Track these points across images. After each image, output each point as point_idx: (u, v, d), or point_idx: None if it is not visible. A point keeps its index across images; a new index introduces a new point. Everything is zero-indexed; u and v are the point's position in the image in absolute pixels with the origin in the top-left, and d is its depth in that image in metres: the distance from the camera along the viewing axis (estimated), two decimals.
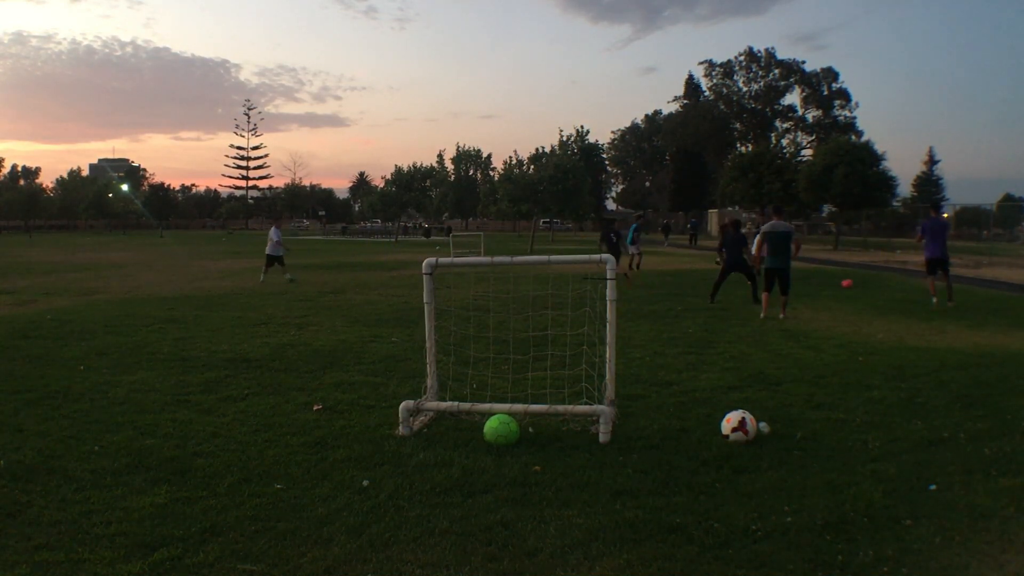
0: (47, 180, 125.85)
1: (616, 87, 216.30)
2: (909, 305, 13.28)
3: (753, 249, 14.69)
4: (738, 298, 13.88)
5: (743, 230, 14.29)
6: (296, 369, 7.67)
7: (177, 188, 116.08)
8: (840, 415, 5.84)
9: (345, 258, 30.21)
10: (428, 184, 68.24)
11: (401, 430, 5.34)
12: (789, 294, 11.33)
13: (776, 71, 74.93)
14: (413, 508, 4.04)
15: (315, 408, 6.09)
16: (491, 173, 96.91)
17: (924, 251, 13.45)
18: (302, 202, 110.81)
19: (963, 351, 8.59)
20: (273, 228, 18.72)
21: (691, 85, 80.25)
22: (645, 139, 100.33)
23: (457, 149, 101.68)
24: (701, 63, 79.61)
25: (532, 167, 56.45)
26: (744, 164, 52.08)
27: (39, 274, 21.72)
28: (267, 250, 18.34)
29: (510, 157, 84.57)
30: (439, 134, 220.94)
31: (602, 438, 5.14)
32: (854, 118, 72.40)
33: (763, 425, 5.31)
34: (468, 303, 11.87)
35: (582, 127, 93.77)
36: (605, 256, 5.52)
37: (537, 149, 65.12)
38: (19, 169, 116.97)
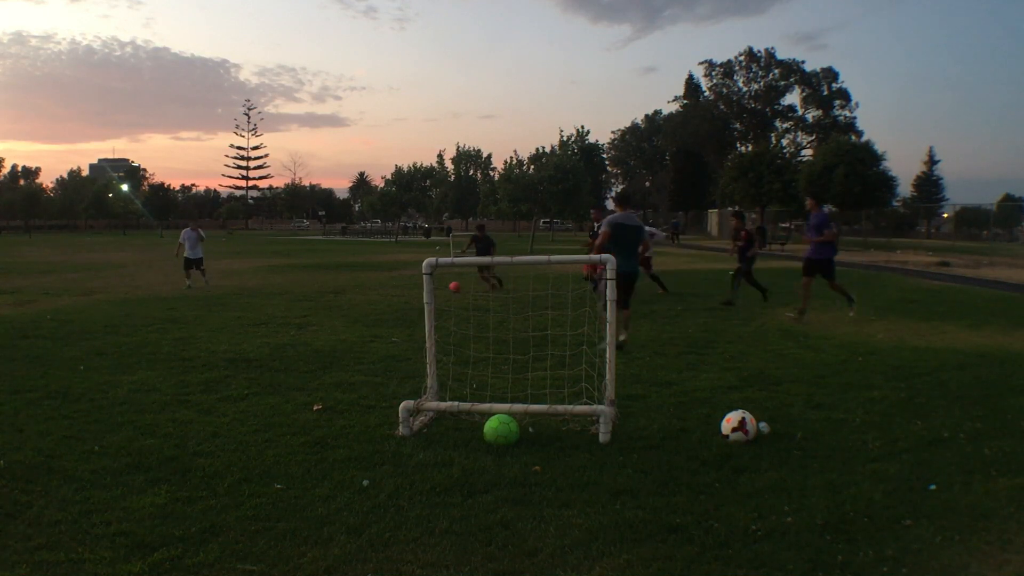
0: (47, 180, 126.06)
1: (616, 87, 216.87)
2: (909, 305, 13.29)
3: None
4: (738, 298, 13.86)
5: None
6: (296, 369, 7.67)
7: (177, 188, 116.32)
8: (840, 415, 5.84)
9: (345, 258, 30.23)
10: (428, 184, 68.25)
11: (401, 430, 5.34)
12: (630, 308, 9.05)
13: (776, 71, 74.94)
14: (413, 508, 4.04)
15: (315, 408, 6.08)
16: (491, 173, 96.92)
17: (819, 251, 11.33)
18: (302, 202, 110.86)
19: (963, 351, 8.59)
20: (189, 230, 17.61)
21: (691, 85, 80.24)
22: (645, 139, 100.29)
23: (457, 149, 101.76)
24: (701, 63, 79.72)
25: (532, 167, 56.46)
26: (744, 164, 52.21)
27: (39, 274, 21.71)
28: (193, 253, 17.24)
29: (510, 157, 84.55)
30: (439, 134, 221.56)
31: (602, 438, 5.14)
32: (854, 118, 72.50)
33: (763, 425, 5.31)
34: (468, 303, 11.87)
35: (582, 127, 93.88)
36: (605, 256, 5.52)
37: (537, 149, 65.15)
38: (19, 169, 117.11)
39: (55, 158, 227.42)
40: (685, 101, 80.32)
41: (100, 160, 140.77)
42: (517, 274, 16.52)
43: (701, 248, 40.83)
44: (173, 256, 18.46)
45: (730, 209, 54.24)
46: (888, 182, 43.37)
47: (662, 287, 15.16)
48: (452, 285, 15.33)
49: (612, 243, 8.56)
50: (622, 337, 8.54)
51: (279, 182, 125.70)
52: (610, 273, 5.41)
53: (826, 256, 11.32)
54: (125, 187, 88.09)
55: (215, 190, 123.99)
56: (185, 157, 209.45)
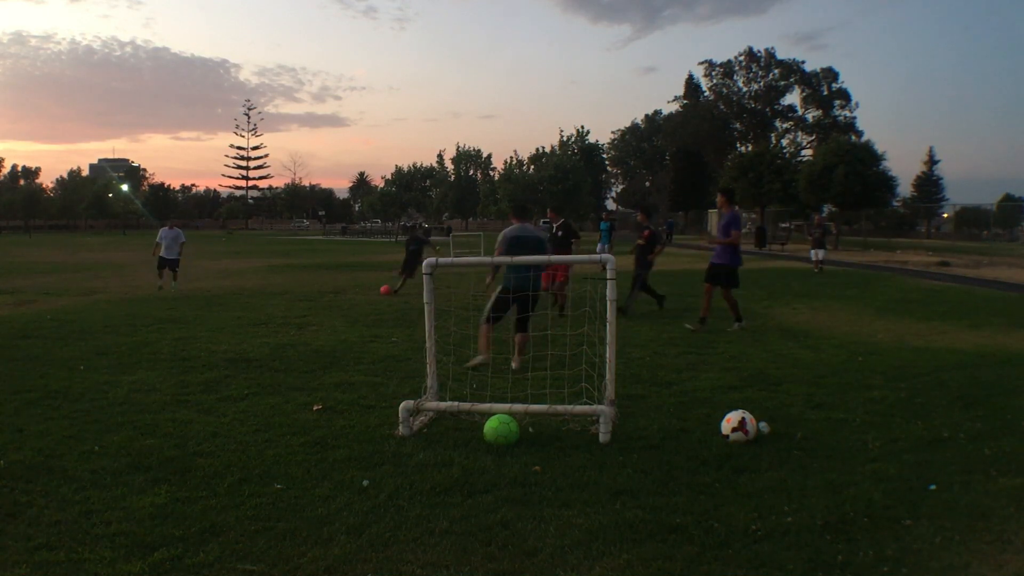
0: (47, 180, 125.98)
1: (616, 87, 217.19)
2: (909, 305, 13.29)
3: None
4: (738, 298, 13.84)
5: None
6: (296, 369, 7.67)
7: (177, 188, 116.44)
8: (840, 415, 5.84)
9: (345, 258, 30.23)
10: (428, 184, 68.46)
11: (401, 430, 5.34)
12: (529, 330, 7.62)
13: (776, 71, 74.90)
14: (413, 508, 4.04)
15: (315, 408, 6.08)
16: (491, 173, 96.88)
17: (723, 254, 10.01)
18: (302, 202, 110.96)
19: (963, 351, 8.59)
20: (167, 228, 16.60)
21: (691, 85, 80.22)
22: (645, 139, 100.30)
23: (457, 149, 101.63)
24: (701, 63, 79.64)
25: (532, 167, 56.50)
26: (744, 164, 52.17)
27: (39, 274, 21.71)
28: (169, 253, 16.34)
29: (510, 157, 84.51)
30: (439, 134, 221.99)
31: (602, 438, 5.14)
32: (854, 118, 72.47)
33: (763, 425, 5.31)
34: (468, 303, 11.87)
35: (582, 127, 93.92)
36: (605, 256, 5.52)
37: (537, 149, 65.15)
38: (19, 169, 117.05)
39: (55, 158, 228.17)
40: (685, 101, 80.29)
41: (100, 160, 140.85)
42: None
43: (700, 248, 40.81)
44: (150, 255, 17.19)
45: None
46: (888, 182, 43.33)
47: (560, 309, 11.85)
48: (383, 289, 15.21)
49: (509, 255, 7.28)
50: (514, 364, 7.31)
51: (279, 182, 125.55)
52: (610, 273, 5.41)
53: (733, 263, 10.06)
54: (125, 187, 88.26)
55: (215, 190, 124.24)
56: (185, 157, 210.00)
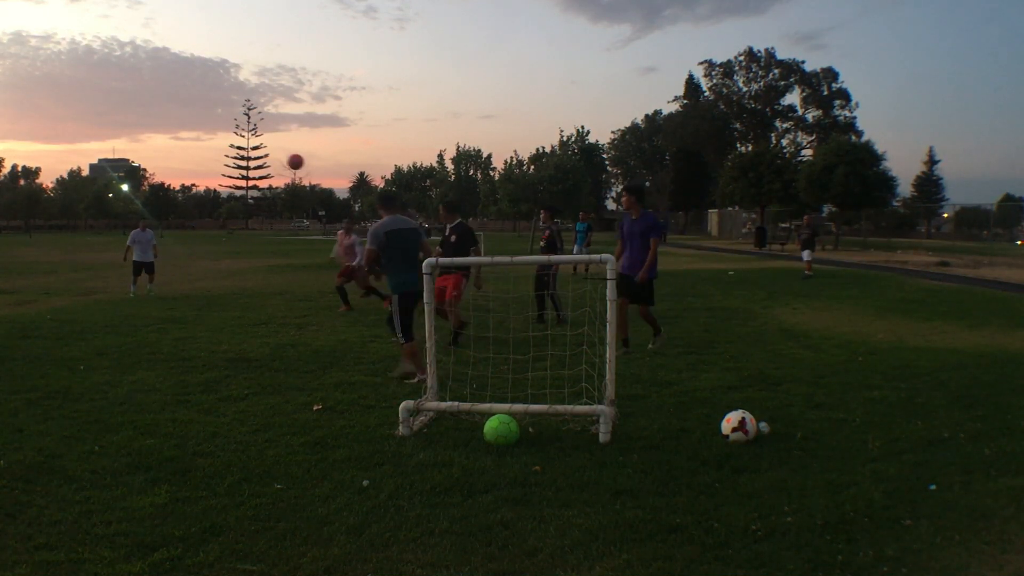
0: (47, 180, 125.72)
1: (616, 87, 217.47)
2: (909, 305, 13.29)
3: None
4: (738, 298, 13.86)
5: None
6: (296, 369, 7.67)
7: (177, 188, 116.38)
8: (840, 415, 5.84)
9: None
10: (428, 184, 68.38)
11: (401, 430, 5.34)
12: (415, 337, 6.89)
13: (776, 71, 74.85)
14: (413, 508, 4.04)
15: (315, 408, 6.08)
16: (491, 173, 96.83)
17: (636, 265, 8.38)
18: (302, 202, 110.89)
19: (963, 351, 8.59)
20: (140, 230, 16.06)
21: (691, 85, 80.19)
22: (645, 139, 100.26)
23: (457, 149, 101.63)
24: (701, 63, 79.58)
25: (532, 167, 56.39)
26: (744, 164, 52.16)
27: (39, 274, 21.71)
28: (144, 256, 15.92)
29: (510, 157, 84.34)
30: (439, 134, 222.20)
31: (602, 438, 5.14)
32: (854, 118, 72.42)
33: (763, 425, 5.31)
34: (468, 303, 11.87)
35: (582, 127, 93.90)
36: (605, 256, 5.52)
37: (537, 149, 65.01)
38: (19, 169, 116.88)
39: (55, 158, 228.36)
40: (685, 101, 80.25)
41: (100, 160, 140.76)
42: (517, 274, 16.52)
43: (700, 248, 40.82)
44: (121, 262, 16.32)
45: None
46: (888, 182, 43.27)
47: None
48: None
49: (390, 254, 6.79)
50: (415, 378, 6.71)
51: (279, 182, 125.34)
52: (611, 273, 5.41)
53: (651, 274, 8.49)
54: (125, 187, 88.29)
55: (215, 190, 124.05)
56: (185, 157, 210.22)
